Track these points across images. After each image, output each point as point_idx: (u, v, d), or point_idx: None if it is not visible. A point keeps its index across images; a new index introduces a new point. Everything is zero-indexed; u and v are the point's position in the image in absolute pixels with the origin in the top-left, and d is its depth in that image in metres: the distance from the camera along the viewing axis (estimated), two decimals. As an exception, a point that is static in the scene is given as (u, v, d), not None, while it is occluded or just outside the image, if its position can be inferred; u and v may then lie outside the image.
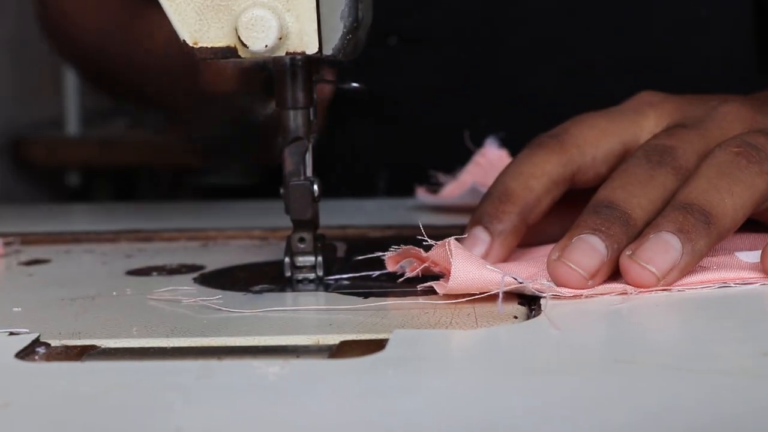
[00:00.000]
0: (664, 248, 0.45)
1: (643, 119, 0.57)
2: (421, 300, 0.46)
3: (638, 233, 0.47)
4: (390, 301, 0.47)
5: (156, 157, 2.13)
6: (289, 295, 0.49)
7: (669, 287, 0.44)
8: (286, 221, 0.52)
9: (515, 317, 0.43)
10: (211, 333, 0.42)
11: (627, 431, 0.28)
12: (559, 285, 0.44)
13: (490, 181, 0.55)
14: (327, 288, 0.50)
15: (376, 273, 0.51)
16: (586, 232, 0.46)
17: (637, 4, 0.88)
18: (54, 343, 0.41)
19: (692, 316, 0.41)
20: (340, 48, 0.48)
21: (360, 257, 0.52)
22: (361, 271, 0.52)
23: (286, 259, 0.51)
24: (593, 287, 0.44)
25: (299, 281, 0.51)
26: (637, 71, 0.87)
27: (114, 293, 0.50)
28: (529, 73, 0.88)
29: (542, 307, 0.42)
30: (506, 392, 0.32)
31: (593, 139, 0.55)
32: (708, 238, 0.46)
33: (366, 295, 0.48)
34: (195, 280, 0.53)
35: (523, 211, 0.52)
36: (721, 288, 0.44)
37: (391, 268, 0.50)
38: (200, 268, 0.56)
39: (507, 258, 0.51)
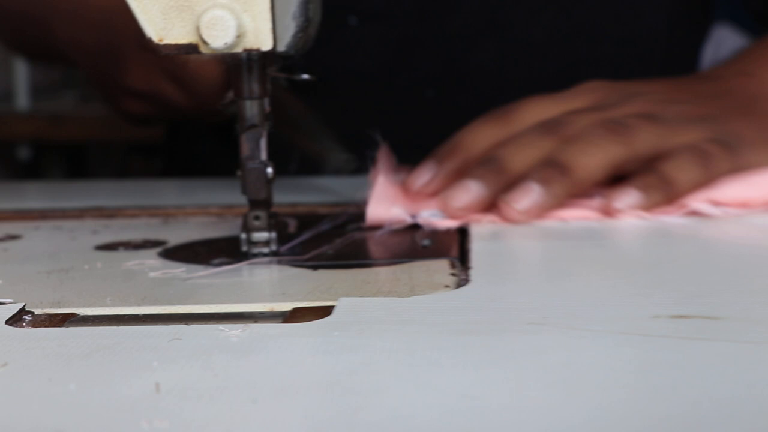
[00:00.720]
0: (526, 192, 0.62)
1: (577, 102, 0.66)
2: (364, 270, 0.52)
3: (513, 182, 0.63)
4: (336, 272, 0.52)
5: (106, 132, 2.16)
6: (245, 268, 0.54)
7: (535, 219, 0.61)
8: (239, 199, 0.57)
9: (447, 286, 0.48)
10: (177, 302, 0.47)
11: (534, 385, 0.34)
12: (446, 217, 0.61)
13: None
14: (279, 262, 0.56)
15: (326, 247, 0.57)
16: (468, 178, 0.63)
17: None
18: (38, 311, 0.46)
19: (600, 281, 0.47)
20: (292, 45, 0.53)
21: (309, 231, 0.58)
22: (311, 247, 0.58)
23: (243, 235, 0.57)
24: (466, 218, 0.62)
25: (255, 255, 0.56)
26: (573, 50, 0.93)
27: (86, 266, 0.55)
28: (472, 48, 0.94)
29: (469, 278, 0.48)
30: (435, 350, 0.37)
31: (535, 116, 0.68)
32: (562, 185, 0.62)
33: (315, 267, 0.53)
34: (159, 254, 0.58)
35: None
36: (625, 256, 0.51)
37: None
38: (163, 243, 0.61)
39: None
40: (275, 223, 0.57)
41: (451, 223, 0.62)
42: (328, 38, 0.87)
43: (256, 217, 0.56)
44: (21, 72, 2.36)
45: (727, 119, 0.69)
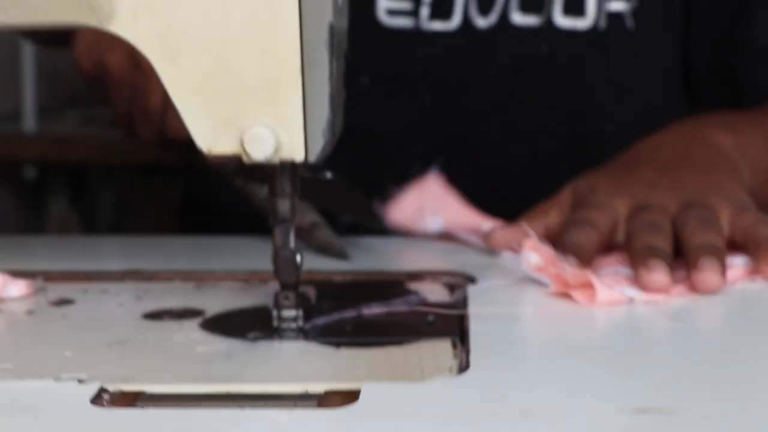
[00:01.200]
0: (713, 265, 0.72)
1: (617, 206, 0.81)
2: (380, 350, 0.61)
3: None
4: (356, 351, 0.62)
5: (109, 155, 2.23)
6: (277, 344, 0.64)
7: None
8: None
9: (450, 369, 0.58)
10: (227, 380, 0.57)
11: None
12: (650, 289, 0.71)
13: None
14: (306, 335, 0.65)
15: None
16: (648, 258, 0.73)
17: (576, 69, 1.04)
18: (111, 388, 0.56)
19: (583, 368, 0.57)
20: (320, 155, 0.63)
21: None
22: (331, 317, 0.67)
23: (274, 312, 0.66)
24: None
25: (284, 330, 0.66)
26: (573, 127, 1.04)
27: (140, 338, 0.65)
28: (480, 122, 1.04)
29: (469, 363, 0.57)
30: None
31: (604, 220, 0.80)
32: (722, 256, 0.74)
33: (338, 345, 0.63)
34: (200, 325, 0.68)
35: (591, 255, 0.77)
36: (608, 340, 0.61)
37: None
38: (201, 312, 0.71)
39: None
40: (302, 301, 0.66)
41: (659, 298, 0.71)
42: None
43: (286, 297, 0.66)
44: (28, 92, 2.43)
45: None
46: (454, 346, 0.62)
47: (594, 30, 1.03)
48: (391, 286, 0.78)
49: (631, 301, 0.69)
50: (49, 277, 0.80)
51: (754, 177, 0.87)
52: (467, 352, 0.59)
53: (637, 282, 0.71)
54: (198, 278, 0.80)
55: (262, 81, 0.61)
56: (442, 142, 1.05)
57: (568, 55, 1.03)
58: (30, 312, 0.72)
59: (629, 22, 1.04)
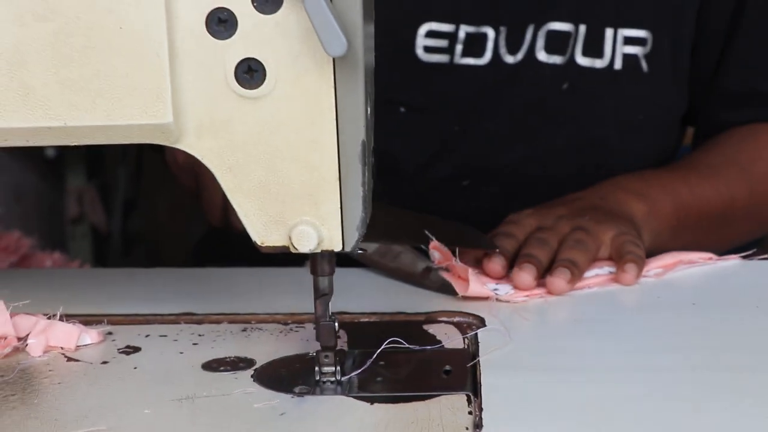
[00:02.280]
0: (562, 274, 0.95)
1: (525, 227, 1.01)
2: (407, 406, 0.74)
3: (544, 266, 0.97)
4: (387, 408, 0.74)
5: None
6: (321, 400, 0.76)
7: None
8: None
9: (467, 429, 0.71)
10: (283, 441, 0.70)
11: None
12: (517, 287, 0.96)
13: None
14: (343, 388, 0.78)
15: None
16: (524, 263, 0.96)
17: (592, 104, 1.17)
18: (191, 452, 0.68)
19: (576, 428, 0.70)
20: (355, 246, 0.75)
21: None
22: (362, 365, 0.80)
23: (316, 368, 0.79)
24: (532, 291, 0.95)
25: (324, 382, 0.78)
26: (586, 157, 1.17)
27: (204, 394, 0.77)
28: (503, 148, 1.17)
29: (482, 423, 0.70)
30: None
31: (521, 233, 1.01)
32: (577, 270, 0.96)
33: (372, 401, 0.76)
34: (253, 377, 0.80)
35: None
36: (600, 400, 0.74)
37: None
38: (252, 362, 0.83)
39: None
40: (339, 359, 0.79)
41: (520, 296, 0.95)
42: (378, 123, 1.11)
43: (326, 356, 0.79)
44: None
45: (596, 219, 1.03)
46: (469, 402, 0.75)
47: (610, 69, 1.16)
48: (410, 327, 0.90)
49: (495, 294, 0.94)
50: (112, 320, 0.93)
51: (654, 237, 1.08)
52: (480, 411, 0.72)
53: (511, 279, 0.96)
54: (243, 321, 0.92)
55: (306, 188, 0.73)
56: (466, 166, 1.18)
57: (585, 90, 1.16)
58: (105, 362, 0.84)
59: (643, 65, 1.17)
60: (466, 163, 1.19)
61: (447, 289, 0.96)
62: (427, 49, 1.16)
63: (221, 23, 0.70)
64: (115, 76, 0.70)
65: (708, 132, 1.23)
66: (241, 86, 0.71)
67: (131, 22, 0.69)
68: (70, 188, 2.49)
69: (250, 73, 0.71)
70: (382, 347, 0.81)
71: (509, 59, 1.16)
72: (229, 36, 0.70)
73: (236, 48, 0.70)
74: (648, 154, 1.20)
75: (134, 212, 2.52)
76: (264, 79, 0.71)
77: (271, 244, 0.74)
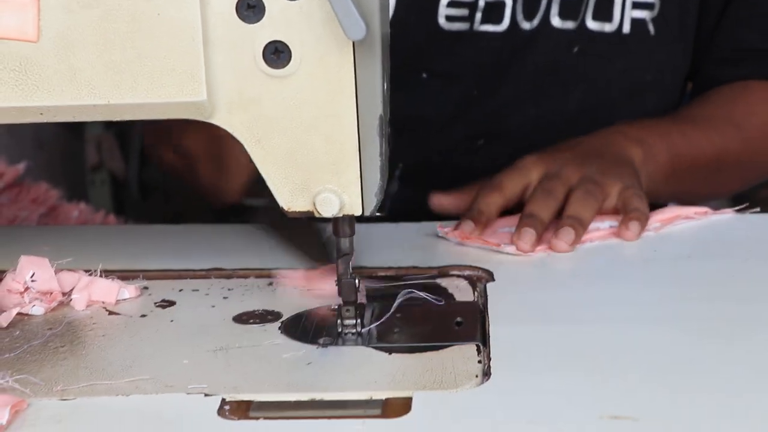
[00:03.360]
0: (567, 233, 1.01)
1: (531, 173, 1.06)
2: (423, 356, 0.81)
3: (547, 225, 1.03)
4: (404, 358, 0.81)
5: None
6: (343, 350, 0.84)
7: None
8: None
9: (476, 376, 0.78)
10: (310, 387, 0.77)
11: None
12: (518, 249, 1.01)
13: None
14: (363, 339, 0.85)
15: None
16: (525, 226, 0.99)
17: (601, 67, 1.23)
18: (227, 398, 0.76)
19: (579, 376, 0.77)
20: (372, 210, 0.82)
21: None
22: (381, 317, 0.87)
23: (338, 321, 0.86)
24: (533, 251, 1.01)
25: (346, 334, 0.86)
26: (596, 118, 1.24)
27: (237, 345, 0.85)
28: (516, 110, 1.24)
29: (491, 371, 0.77)
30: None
31: (513, 185, 1.06)
32: (581, 228, 1.01)
33: (390, 351, 0.83)
34: (280, 329, 0.88)
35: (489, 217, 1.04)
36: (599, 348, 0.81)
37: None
38: (279, 315, 0.90)
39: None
40: (359, 312, 0.86)
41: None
42: (404, 88, 1.18)
43: (347, 310, 0.86)
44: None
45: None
46: (479, 351, 0.82)
47: (618, 33, 1.22)
48: (424, 281, 0.97)
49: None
50: (147, 275, 1.00)
51: (649, 182, 1.14)
52: (489, 360, 0.79)
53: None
54: (269, 275, 0.99)
55: (328, 158, 0.80)
56: (481, 127, 1.26)
57: (595, 54, 1.23)
58: (143, 316, 0.92)
59: (650, 28, 1.23)
60: (481, 124, 1.26)
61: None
62: (449, 18, 1.23)
63: (250, 8, 0.76)
64: (154, 58, 0.76)
65: (703, 88, 1.30)
66: (269, 66, 0.77)
67: (168, 9, 0.76)
68: (89, 136, 2.56)
69: (276, 54, 0.77)
70: (399, 300, 0.88)
71: (525, 25, 1.23)
72: (258, 20, 0.77)
73: (264, 31, 0.77)
74: (655, 114, 1.26)
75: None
76: (289, 59, 0.77)
77: (296, 210, 0.81)
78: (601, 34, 1.23)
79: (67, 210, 1.62)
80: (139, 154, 2.58)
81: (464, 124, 1.26)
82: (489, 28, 1.23)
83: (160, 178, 2.58)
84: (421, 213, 1.12)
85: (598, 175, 1.07)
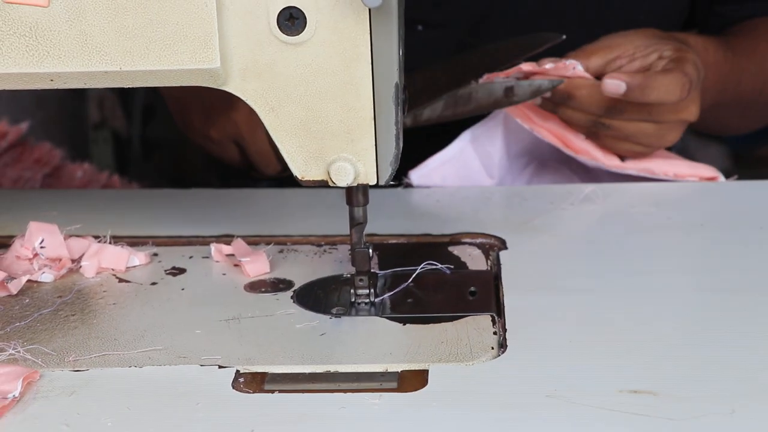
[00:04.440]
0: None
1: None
2: (437, 326, 0.81)
3: None
4: (418, 329, 0.81)
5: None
6: (356, 320, 0.83)
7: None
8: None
9: (492, 348, 0.77)
10: (325, 359, 0.76)
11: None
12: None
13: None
14: (376, 309, 0.84)
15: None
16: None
17: (594, 7, 1.22)
18: (242, 370, 0.75)
19: (594, 349, 0.76)
20: (387, 180, 0.80)
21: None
22: (394, 288, 0.86)
23: (351, 291, 0.85)
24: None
25: (359, 303, 0.85)
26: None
27: (249, 315, 0.84)
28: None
29: (507, 343, 0.77)
30: (479, 422, 0.67)
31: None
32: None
33: (404, 322, 0.82)
34: (292, 299, 0.87)
35: None
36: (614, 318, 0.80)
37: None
38: (291, 283, 0.90)
39: None
40: (373, 282, 0.85)
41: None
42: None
43: (361, 280, 0.85)
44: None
45: None
46: (493, 322, 0.81)
47: None
48: (436, 248, 0.97)
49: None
50: (156, 242, 0.99)
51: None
52: (504, 332, 0.79)
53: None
54: (279, 242, 0.99)
55: (343, 126, 0.78)
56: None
57: None
58: (154, 284, 0.91)
59: None
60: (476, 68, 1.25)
61: (542, 89, 1.05)
62: None
63: (265, -26, 0.75)
64: (167, 24, 0.75)
65: (709, 29, 1.29)
66: (283, 33, 0.76)
67: (181, -26, 0.74)
68: (91, 94, 2.54)
69: (291, 20, 0.76)
70: (417, 270, 0.87)
71: None
72: (272, -14, 0.75)
73: (279, -3, 0.75)
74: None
75: (154, 118, 2.57)
76: (304, 26, 0.76)
77: (310, 178, 0.80)
78: None
79: (71, 170, 1.61)
80: (142, 112, 2.57)
81: (460, 68, 1.25)
82: None
83: (162, 137, 2.56)
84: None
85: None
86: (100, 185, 1.61)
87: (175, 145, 2.55)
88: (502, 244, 0.96)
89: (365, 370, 0.75)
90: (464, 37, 1.25)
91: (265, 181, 1.35)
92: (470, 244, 0.97)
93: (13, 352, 0.77)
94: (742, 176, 1.13)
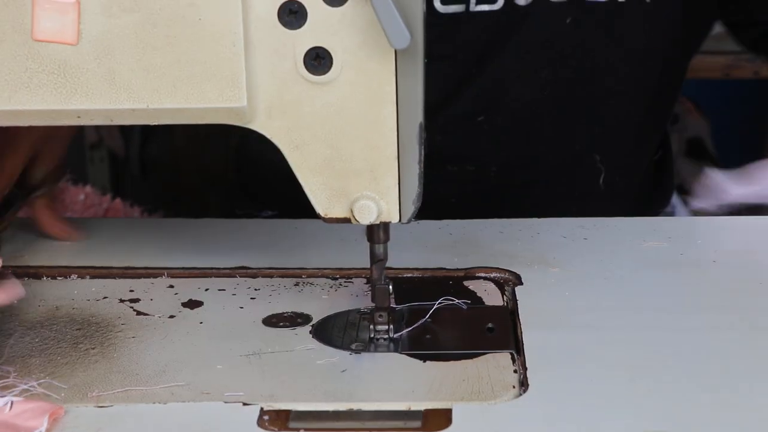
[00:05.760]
0: None
1: None
2: (458, 364, 0.81)
3: None
4: (439, 366, 0.81)
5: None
6: (376, 357, 0.83)
7: None
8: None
9: (513, 386, 0.78)
10: (348, 398, 0.76)
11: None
12: None
13: None
14: (395, 345, 0.85)
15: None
16: None
17: (594, 36, 1.23)
18: (266, 407, 0.75)
19: (612, 388, 0.77)
20: (410, 218, 0.81)
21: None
22: (412, 323, 0.87)
23: (371, 326, 0.86)
24: None
25: (378, 339, 0.85)
26: (594, 85, 1.23)
27: (269, 350, 0.84)
28: (510, 86, 1.24)
29: (528, 382, 0.77)
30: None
31: None
32: None
33: (424, 359, 0.83)
34: (311, 333, 0.87)
35: None
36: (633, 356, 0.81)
37: None
38: (308, 317, 0.90)
39: None
40: (392, 318, 0.86)
41: None
42: None
43: (380, 316, 0.86)
44: None
45: None
46: (513, 360, 0.82)
47: (614, 1, 1.22)
48: (451, 283, 0.97)
49: None
50: (171, 273, 0.99)
51: None
52: (525, 370, 0.79)
53: None
54: (294, 275, 0.99)
55: (367, 165, 0.79)
56: (481, 103, 1.25)
57: (590, 24, 1.22)
58: (172, 317, 0.91)
59: None
60: (480, 100, 1.26)
61: None
62: (444, 1, 1.22)
63: (292, 14, 0.76)
64: (194, 63, 0.75)
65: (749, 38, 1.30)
66: (309, 72, 0.77)
67: (209, 14, 0.75)
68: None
69: (317, 60, 0.76)
70: (436, 305, 0.88)
71: (521, 1, 1.22)
72: (299, 26, 0.76)
73: (305, 37, 0.76)
74: (652, 83, 1.26)
75: (152, 138, 2.58)
76: (330, 66, 0.76)
77: (334, 216, 0.81)
78: (596, 4, 1.23)
79: (73, 193, 1.61)
80: (140, 133, 2.57)
81: (463, 101, 1.26)
82: (484, 7, 1.23)
83: (160, 157, 2.57)
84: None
85: None
86: (102, 209, 1.62)
87: (172, 165, 2.55)
88: (518, 279, 0.96)
89: (388, 408, 0.76)
90: (469, 69, 1.25)
91: (269, 210, 1.35)
92: (485, 278, 0.98)
93: (28, 386, 0.77)
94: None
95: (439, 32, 1.24)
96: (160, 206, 1.74)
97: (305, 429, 0.73)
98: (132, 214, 1.57)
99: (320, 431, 0.73)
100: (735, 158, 1.55)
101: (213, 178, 1.66)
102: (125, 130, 2.51)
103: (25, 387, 0.77)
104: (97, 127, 2.48)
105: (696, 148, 2.53)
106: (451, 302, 0.90)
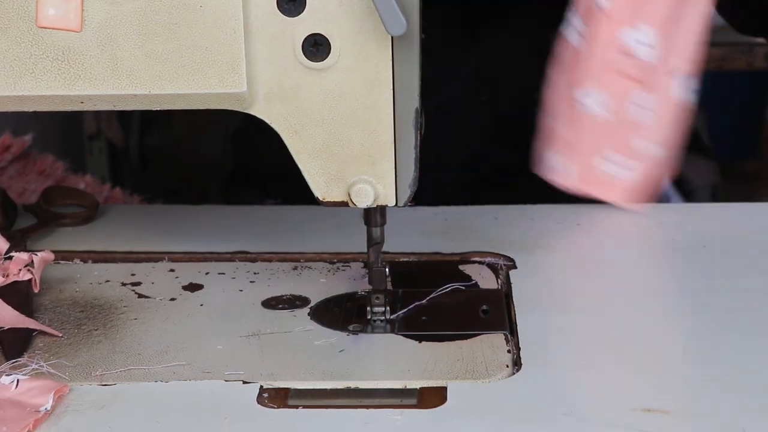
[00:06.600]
0: None
1: None
2: (453, 344, 0.83)
3: None
4: (434, 346, 0.83)
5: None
6: (373, 337, 0.85)
7: None
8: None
9: (507, 366, 0.80)
10: (345, 375, 0.78)
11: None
12: None
13: None
14: (392, 326, 0.87)
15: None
16: None
17: None
18: (265, 385, 0.77)
19: (610, 368, 0.79)
20: (406, 201, 0.83)
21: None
22: (408, 305, 0.89)
23: (368, 308, 0.87)
24: None
25: (375, 321, 0.87)
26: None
27: (269, 331, 0.86)
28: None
29: (521, 362, 0.79)
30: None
31: None
32: None
33: (420, 339, 0.84)
34: (309, 315, 0.89)
35: None
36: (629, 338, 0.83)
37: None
38: (307, 300, 0.92)
39: None
40: (389, 300, 0.88)
41: None
42: None
43: (377, 298, 0.87)
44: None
45: None
46: (507, 340, 0.84)
47: None
48: (447, 267, 0.99)
49: None
50: (172, 257, 1.01)
51: None
52: (518, 350, 0.81)
53: None
54: (293, 259, 1.01)
55: (364, 149, 0.81)
56: (479, 79, 1.27)
57: None
58: (173, 299, 0.93)
59: None
60: (478, 77, 1.28)
61: None
62: None
63: (290, 2, 0.77)
64: (195, 49, 0.77)
65: None
66: (308, 59, 0.78)
67: (210, 2, 0.76)
68: (88, 105, 2.55)
69: (316, 47, 0.78)
70: (439, 291, 0.90)
71: None
72: (298, 13, 0.77)
73: (304, 24, 0.78)
74: None
75: (151, 128, 2.59)
76: (329, 52, 0.78)
77: (331, 200, 0.83)
78: None
79: (73, 182, 1.63)
80: (139, 123, 2.58)
81: (460, 77, 1.28)
82: None
83: (159, 147, 2.58)
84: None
85: None
86: (102, 198, 1.63)
87: (171, 156, 2.57)
88: (512, 263, 0.98)
89: (385, 387, 0.77)
90: (462, 92, 1.27)
91: (272, 198, 1.37)
92: (480, 263, 1.00)
93: (35, 366, 0.79)
94: (730, 190, 1.15)
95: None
96: (159, 195, 1.75)
97: (304, 406, 0.75)
98: (131, 203, 1.59)
99: (319, 408, 0.75)
100: (729, 149, 1.57)
101: (212, 167, 1.68)
102: (124, 121, 2.53)
103: (35, 366, 0.79)
104: (96, 118, 2.50)
105: (690, 138, 2.54)
106: (452, 286, 0.92)
